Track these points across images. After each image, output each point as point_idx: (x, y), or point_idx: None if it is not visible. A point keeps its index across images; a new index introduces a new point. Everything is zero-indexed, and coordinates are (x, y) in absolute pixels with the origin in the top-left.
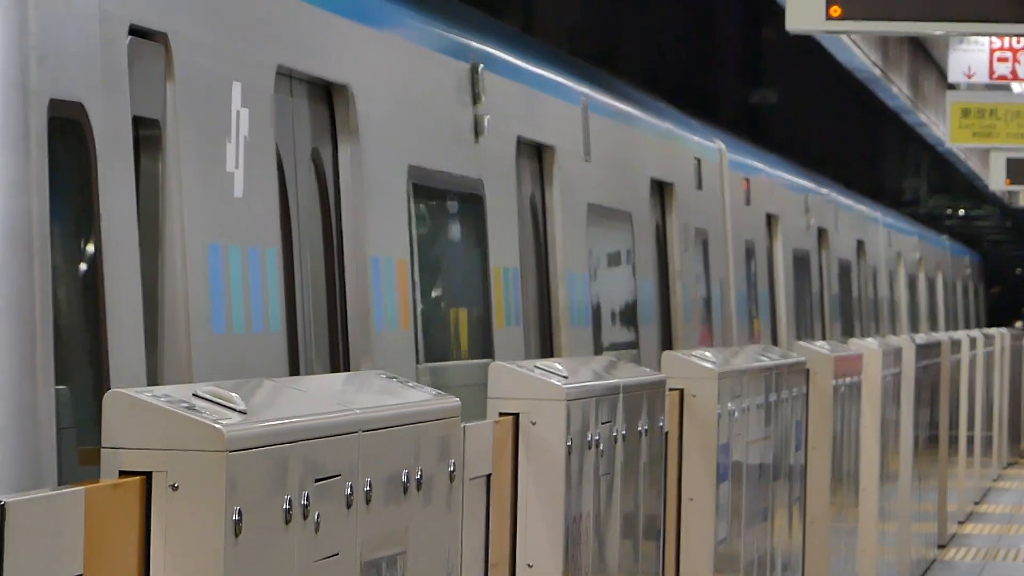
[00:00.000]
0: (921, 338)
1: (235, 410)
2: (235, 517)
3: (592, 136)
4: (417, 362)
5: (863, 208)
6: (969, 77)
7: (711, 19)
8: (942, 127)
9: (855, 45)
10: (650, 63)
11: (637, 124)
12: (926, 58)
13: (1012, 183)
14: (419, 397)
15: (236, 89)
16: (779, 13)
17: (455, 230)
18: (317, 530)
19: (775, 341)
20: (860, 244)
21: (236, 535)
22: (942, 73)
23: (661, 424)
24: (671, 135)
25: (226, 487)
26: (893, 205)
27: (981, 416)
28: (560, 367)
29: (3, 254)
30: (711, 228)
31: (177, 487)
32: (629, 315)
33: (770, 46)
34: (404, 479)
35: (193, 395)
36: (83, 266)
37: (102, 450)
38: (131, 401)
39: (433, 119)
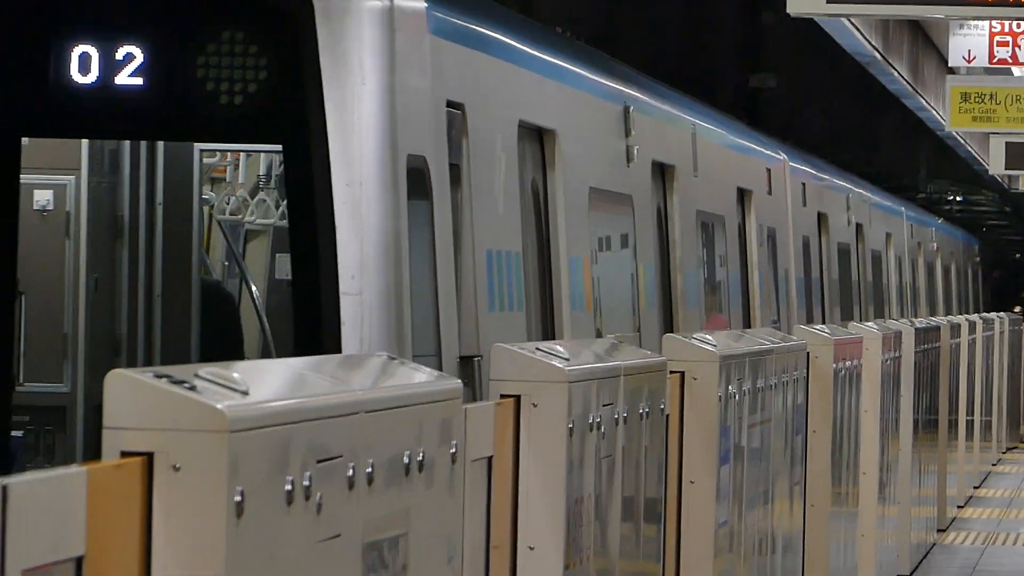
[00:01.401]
0: (921, 322)
1: (237, 391)
2: (237, 498)
3: (698, 155)
4: (596, 336)
5: (890, 204)
6: (969, 61)
7: (711, 2)
8: (942, 111)
9: (855, 29)
10: (649, 46)
11: (726, 143)
12: (926, 42)
13: (1011, 167)
14: (421, 378)
15: (498, 139)
16: None
17: (616, 235)
18: (319, 511)
19: (824, 322)
20: (888, 236)
21: (238, 516)
22: (942, 57)
23: (662, 407)
24: (749, 149)
25: (228, 468)
26: (892, 189)
27: (981, 400)
28: (561, 349)
29: (381, 258)
30: (778, 227)
31: (179, 468)
32: (724, 300)
33: (770, 30)
34: (406, 460)
35: (195, 375)
36: (426, 265)
37: (104, 430)
38: (133, 382)
39: (603, 150)
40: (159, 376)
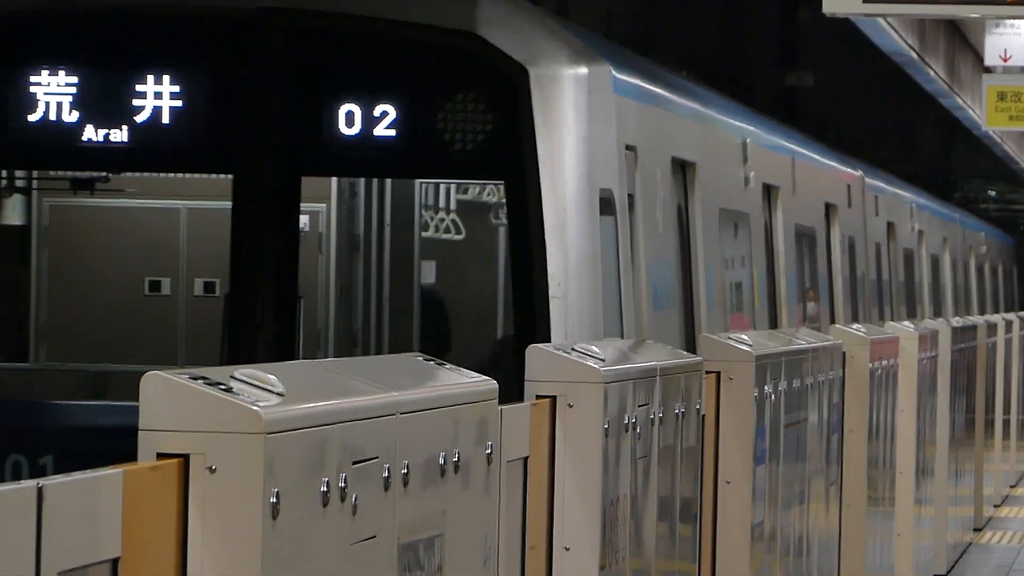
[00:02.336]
0: (957, 321)
1: (273, 392)
2: (273, 500)
3: (796, 177)
4: (725, 331)
5: (944, 210)
6: (1005, 60)
7: (748, 2)
8: (978, 111)
9: (891, 28)
10: (686, 46)
11: (816, 164)
12: (962, 41)
13: None
14: (457, 379)
15: (658, 172)
16: None
17: (738, 247)
18: (355, 513)
19: (893, 320)
20: (944, 240)
21: (274, 517)
22: (978, 56)
23: (698, 407)
24: (834, 168)
25: (264, 469)
26: (929, 188)
27: (1017, 399)
28: (597, 350)
29: (580, 268)
30: (856, 235)
31: (215, 469)
32: (820, 299)
33: (806, 29)
34: (441, 461)
35: (231, 377)
36: (612, 273)
37: (139, 432)
38: (169, 383)
39: (729, 177)
40: (195, 378)
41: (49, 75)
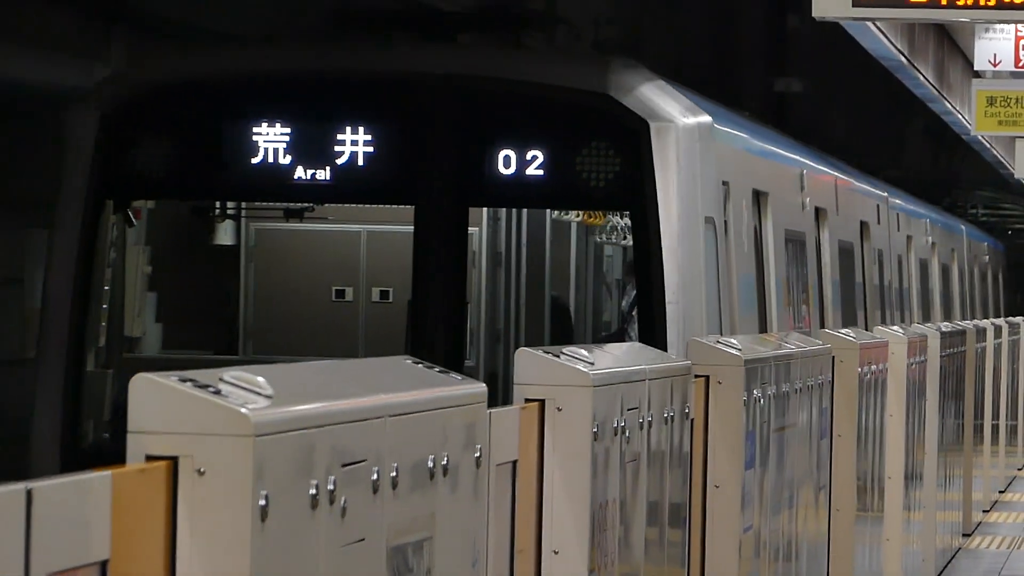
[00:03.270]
0: (946, 326)
1: (262, 395)
2: (262, 502)
3: (839, 198)
4: (787, 330)
5: (954, 224)
6: (995, 65)
7: (736, 7)
8: (967, 116)
9: (880, 32)
10: (674, 52)
11: (854, 188)
12: (952, 46)
13: None
14: (446, 383)
15: (743, 202)
16: (805, 0)
17: (797, 261)
18: (344, 515)
19: (910, 322)
20: (953, 251)
21: (263, 520)
22: (968, 61)
23: (687, 411)
24: (867, 191)
25: (253, 472)
26: (917, 193)
27: (1006, 405)
28: (586, 353)
29: (691, 282)
30: (884, 249)
31: (204, 472)
32: (858, 304)
33: (795, 34)
34: (430, 464)
35: (220, 379)
36: (715, 285)
37: (128, 435)
38: (157, 386)
39: (790, 203)
40: (184, 380)
41: (268, 126)
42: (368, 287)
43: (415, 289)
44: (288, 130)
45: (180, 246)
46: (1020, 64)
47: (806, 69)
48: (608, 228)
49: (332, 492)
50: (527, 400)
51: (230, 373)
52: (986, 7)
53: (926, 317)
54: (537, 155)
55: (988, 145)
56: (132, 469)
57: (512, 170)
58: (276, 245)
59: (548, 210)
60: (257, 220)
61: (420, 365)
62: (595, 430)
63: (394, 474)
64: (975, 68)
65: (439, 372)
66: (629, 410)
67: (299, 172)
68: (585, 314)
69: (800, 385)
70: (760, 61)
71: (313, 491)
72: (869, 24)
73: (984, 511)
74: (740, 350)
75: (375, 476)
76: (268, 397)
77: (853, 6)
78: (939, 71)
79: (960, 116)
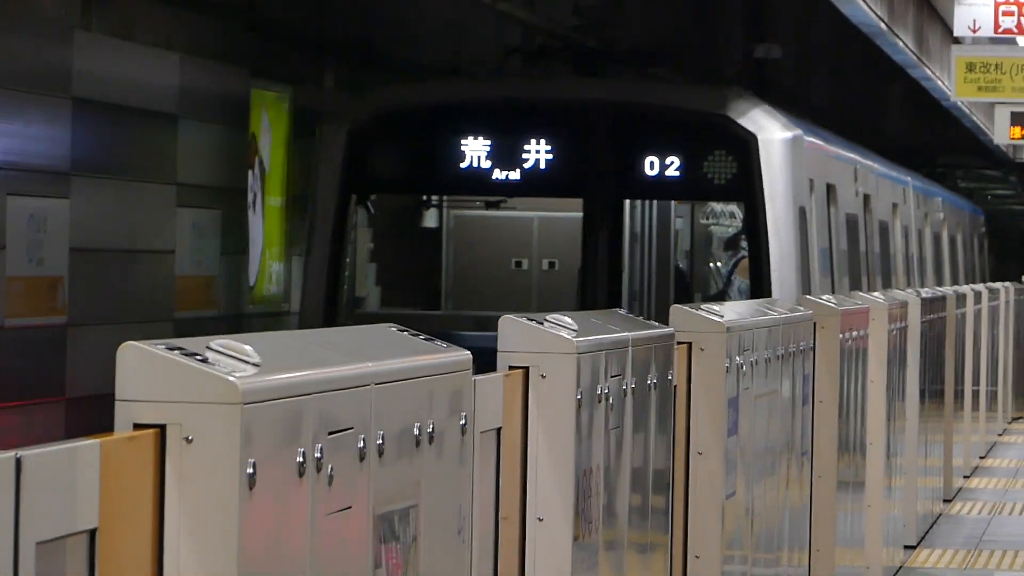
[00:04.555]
0: (926, 292)
1: (249, 363)
2: (249, 470)
3: (879, 188)
4: (846, 292)
5: (961, 202)
6: (974, 31)
7: None
8: (947, 82)
9: None
10: (653, 18)
11: (888, 176)
12: (931, 12)
13: (1016, 137)
14: (431, 350)
15: (821, 192)
16: None
17: (853, 237)
18: (330, 483)
19: (928, 286)
20: (958, 224)
21: (250, 488)
22: (947, 27)
23: (670, 378)
24: (897, 178)
25: (240, 440)
26: (898, 159)
27: (987, 371)
28: (570, 321)
29: (789, 255)
30: (909, 227)
31: (191, 440)
32: (892, 271)
33: (775, 1)
34: (416, 432)
35: (207, 347)
36: (805, 256)
37: (116, 403)
38: (145, 354)
39: (849, 192)
40: (171, 348)
41: (472, 139)
42: (539, 259)
43: (584, 260)
44: (488, 142)
45: (395, 228)
46: (999, 30)
47: (786, 36)
48: (710, 213)
49: (319, 460)
50: (511, 367)
51: (217, 341)
52: None
53: (939, 282)
54: (674, 160)
55: (968, 111)
56: (120, 437)
57: (655, 172)
58: (469, 227)
59: (673, 201)
60: (455, 208)
61: (405, 333)
62: (579, 397)
63: (380, 442)
64: (955, 34)
65: (424, 340)
66: (612, 377)
67: (496, 174)
68: (697, 278)
69: (782, 351)
70: (739, 29)
71: (300, 459)
72: None
73: (965, 477)
74: (722, 317)
75: (361, 444)
76: (255, 365)
77: None
78: (918, 37)
79: (939, 82)
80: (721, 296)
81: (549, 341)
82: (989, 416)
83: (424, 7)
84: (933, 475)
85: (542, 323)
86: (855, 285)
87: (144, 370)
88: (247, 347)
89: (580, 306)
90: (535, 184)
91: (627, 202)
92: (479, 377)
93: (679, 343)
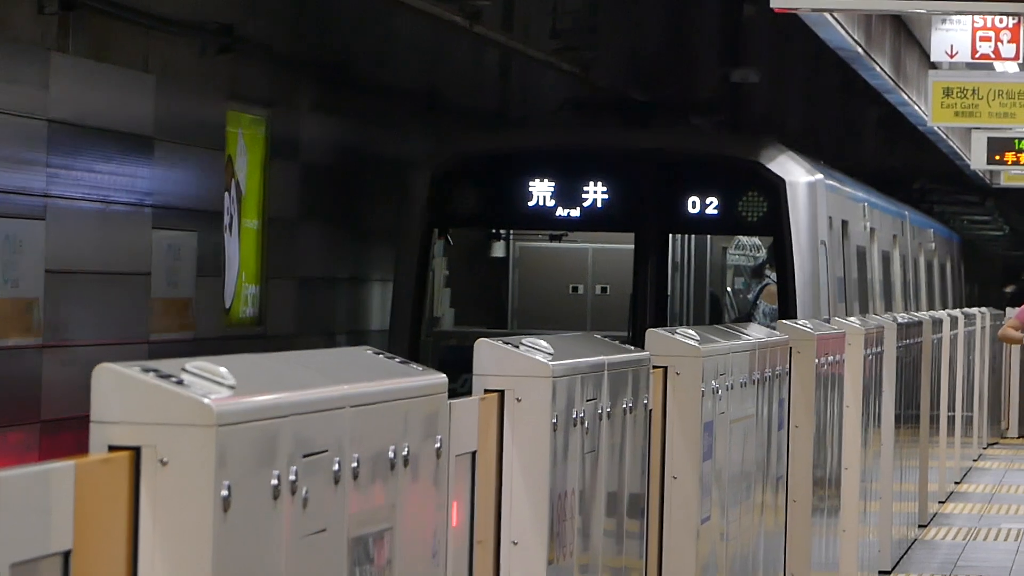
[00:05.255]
0: (903, 317)
1: (224, 385)
2: (224, 492)
3: (882, 221)
4: (855, 314)
5: (946, 231)
6: (951, 56)
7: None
8: (924, 107)
9: (837, 24)
10: (628, 42)
11: (888, 211)
12: (908, 37)
13: (993, 162)
14: (406, 373)
15: (837, 227)
16: None
17: (862, 267)
18: (305, 505)
19: (921, 309)
20: (948, 253)
21: (225, 510)
22: (924, 52)
23: (645, 402)
24: (897, 212)
25: (215, 462)
26: (875, 184)
27: (962, 396)
28: (545, 344)
29: (811, 280)
30: (906, 255)
31: (166, 462)
32: (893, 296)
33: (752, 25)
34: (391, 455)
35: (182, 369)
36: (823, 282)
37: (91, 424)
38: (120, 376)
39: (859, 227)
40: (146, 370)
41: (539, 181)
42: (593, 284)
43: (635, 286)
44: (552, 184)
45: (469, 257)
46: (976, 55)
47: (762, 60)
48: (738, 247)
49: (294, 482)
50: (487, 391)
51: (192, 363)
52: None
53: (931, 306)
54: (713, 200)
55: (944, 136)
56: (95, 459)
57: (697, 210)
58: (532, 257)
59: (709, 235)
60: (520, 240)
61: (381, 356)
62: (554, 421)
63: (355, 464)
64: (932, 59)
65: (400, 363)
66: (588, 401)
67: (559, 211)
68: (727, 303)
69: (758, 376)
70: (715, 52)
71: (275, 481)
72: (826, 14)
73: (940, 502)
74: (698, 341)
75: (336, 466)
76: (231, 387)
77: None
78: (895, 62)
79: (916, 107)
80: (748, 318)
81: (525, 365)
82: (964, 441)
83: (399, 28)
84: (908, 500)
85: (518, 347)
86: (863, 309)
87: (119, 391)
88: (222, 369)
89: (632, 326)
90: (593, 220)
91: (670, 236)
92: (455, 400)
93: (655, 367)
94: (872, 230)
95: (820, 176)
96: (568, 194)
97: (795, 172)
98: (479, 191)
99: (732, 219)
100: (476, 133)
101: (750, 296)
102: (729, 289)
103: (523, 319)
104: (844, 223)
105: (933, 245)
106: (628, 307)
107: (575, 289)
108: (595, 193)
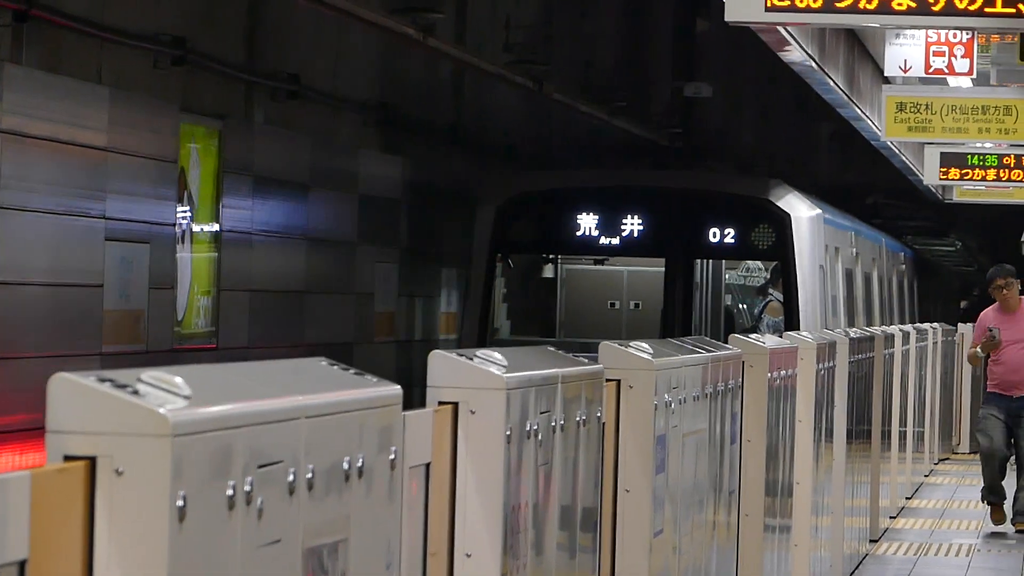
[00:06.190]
0: (855, 332)
1: (179, 395)
2: (179, 503)
3: (861, 247)
4: (846, 328)
5: (909, 249)
6: (905, 71)
7: (644, 11)
8: (877, 121)
9: (792, 38)
10: (581, 57)
11: (870, 237)
12: (862, 52)
13: (945, 178)
14: (361, 384)
15: (833, 254)
16: (714, 5)
17: (850, 287)
18: (260, 516)
19: (892, 323)
20: (914, 270)
21: (180, 520)
22: (878, 67)
23: (599, 415)
24: (875, 238)
25: (171, 472)
26: (828, 199)
27: (914, 412)
28: (499, 356)
29: (812, 301)
30: (885, 275)
31: (122, 472)
32: (872, 312)
33: (705, 39)
34: (345, 467)
35: (138, 380)
36: (824, 302)
37: (47, 434)
38: (75, 385)
39: (848, 252)
40: (102, 380)
41: (585, 215)
42: (628, 301)
43: (665, 303)
44: (596, 216)
45: (523, 277)
46: (930, 70)
47: (715, 74)
48: (744, 269)
49: (249, 493)
50: (440, 403)
51: (148, 373)
52: (897, 12)
53: (903, 320)
54: (730, 230)
55: (897, 151)
56: (51, 469)
57: (717, 239)
58: (577, 277)
59: (724, 260)
60: (567, 263)
61: (336, 367)
62: (508, 433)
63: (310, 475)
64: (885, 74)
65: (355, 374)
66: (542, 413)
67: (602, 240)
68: (739, 316)
69: (711, 390)
70: (668, 66)
71: (230, 492)
72: (780, 29)
73: (891, 517)
74: (651, 354)
75: (291, 477)
76: (186, 397)
77: (766, 11)
78: (849, 77)
79: (870, 122)
80: (754, 330)
81: (478, 377)
82: (916, 457)
83: (352, 41)
84: (860, 515)
85: (472, 359)
86: (851, 323)
87: (75, 401)
88: (177, 379)
89: (662, 336)
90: (630, 247)
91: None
92: (409, 412)
93: (608, 380)
94: (857, 255)
95: (819, 211)
96: (609, 225)
97: (799, 208)
98: (536, 223)
99: (746, 247)
100: (533, 174)
101: (755, 311)
102: (742, 306)
103: (569, 330)
104: (836, 249)
105: (904, 266)
106: (659, 320)
107: (613, 305)
108: (632, 225)
